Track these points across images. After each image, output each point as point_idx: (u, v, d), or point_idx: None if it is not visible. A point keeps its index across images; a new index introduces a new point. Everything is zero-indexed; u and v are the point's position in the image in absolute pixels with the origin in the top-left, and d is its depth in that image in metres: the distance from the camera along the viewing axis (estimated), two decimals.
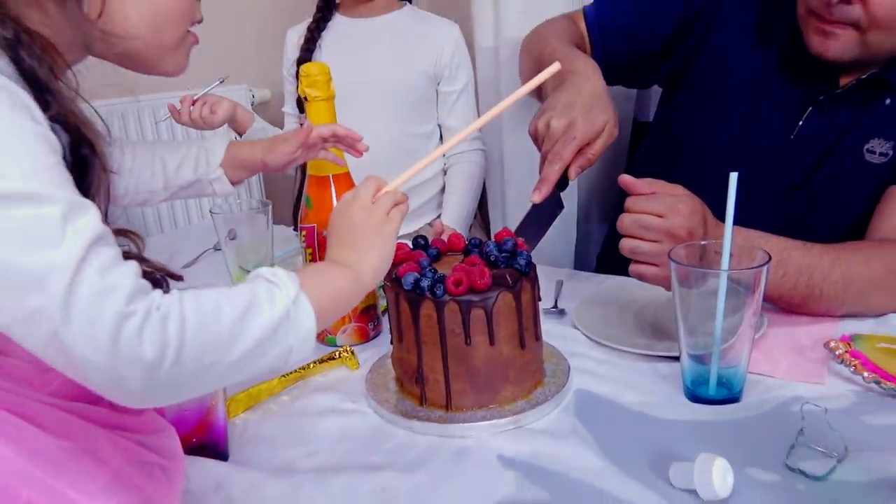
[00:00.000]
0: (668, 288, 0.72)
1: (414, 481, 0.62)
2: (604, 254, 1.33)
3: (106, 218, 0.49)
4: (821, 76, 0.95)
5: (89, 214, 0.45)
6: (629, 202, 0.78)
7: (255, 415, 0.75)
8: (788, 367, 0.76)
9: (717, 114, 1.05)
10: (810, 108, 0.97)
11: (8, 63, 0.48)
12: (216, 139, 0.90)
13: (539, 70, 0.98)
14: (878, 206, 0.92)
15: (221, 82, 1.37)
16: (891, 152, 0.93)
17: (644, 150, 1.26)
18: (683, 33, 1.08)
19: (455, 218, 1.45)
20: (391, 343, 0.77)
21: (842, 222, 0.97)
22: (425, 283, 0.68)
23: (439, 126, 1.52)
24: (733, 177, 0.70)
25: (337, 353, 0.83)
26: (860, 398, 0.70)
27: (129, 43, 0.58)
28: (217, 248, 1.22)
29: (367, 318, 0.90)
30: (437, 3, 1.76)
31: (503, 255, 0.72)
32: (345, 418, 0.73)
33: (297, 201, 1.53)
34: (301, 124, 1.47)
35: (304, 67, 0.83)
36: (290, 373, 0.79)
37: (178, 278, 0.55)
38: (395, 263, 0.74)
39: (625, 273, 0.82)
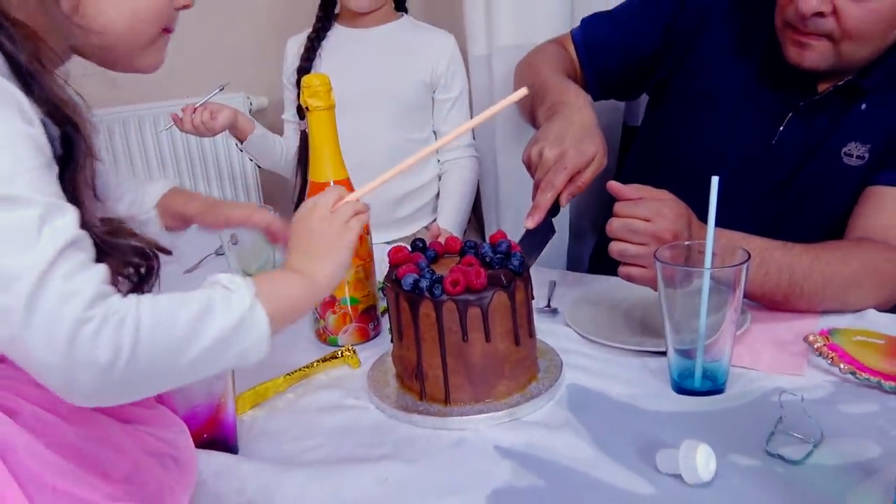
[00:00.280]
0: (656, 288, 0.75)
1: (415, 471, 0.66)
2: (595, 255, 1.37)
3: (85, 220, 0.50)
4: (799, 83, 0.99)
5: (66, 217, 0.47)
6: (617, 207, 0.82)
7: (262, 411, 0.78)
8: (770, 361, 0.80)
9: (701, 121, 1.09)
10: (790, 114, 1.01)
11: None
12: (161, 181, 0.88)
13: (533, 100, 1.04)
14: (856, 207, 0.96)
15: (221, 89, 1.41)
16: (867, 155, 0.97)
17: (632, 154, 1.30)
18: (668, 45, 1.12)
19: (451, 221, 1.49)
20: (391, 342, 0.80)
21: (822, 222, 1.01)
22: (424, 283, 0.72)
23: (434, 133, 1.56)
24: (715, 180, 0.74)
25: (339, 353, 0.86)
26: (837, 388, 0.73)
27: (106, 38, 0.59)
28: (219, 253, 1.25)
29: (367, 318, 0.93)
30: (430, 13, 1.80)
31: (498, 256, 0.76)
32: (348, 414, 0.76)
33: (297, 206, 1.57)
34: (302, 131, 1.52)
35: (305, 79, 0.86)
36: (295, 371, 0.83)
37: (168, 252, 0.58)
38: (395, 265, 0.78)
39: (615, 274, 0.86)
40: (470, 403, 0.74)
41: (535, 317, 0.79)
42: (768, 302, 0.87)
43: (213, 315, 0.51)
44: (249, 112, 1.93)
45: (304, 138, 1.53)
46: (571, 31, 1.22)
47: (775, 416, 0.67)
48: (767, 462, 0.63)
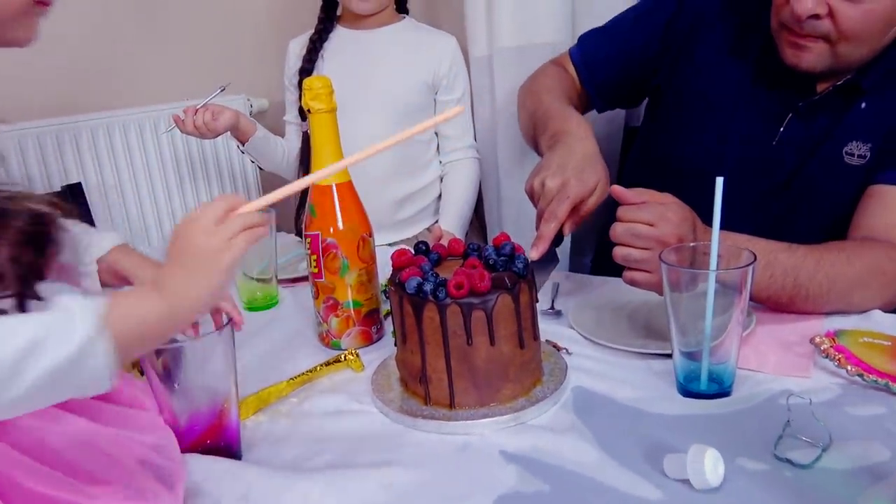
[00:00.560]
0: (661, 293, 0.75)
1: (420, 476, 0.65)
2: (598, 257, 1.36)
3: None
4: (798, 84, 0.99)
5: None
6: (620, 211, 0.81)
7: (266, 416, 0.78)
8: (776, 363, 0.79)
9: (698, 122, 1.09)
10: (790, 115, 1.01)
11: None
12: (110, 235, 0.82)
13: (535, 128, 1.05)
14: (859, 206, 0.96)
15: (222, 90, 1.40)
16: (868, 154, 0.96)
17: (632, 155, 1.30)
18: (665, 47, 1.13)
19: (453, 223, 1.48)
20: (395, 345, 0.80)
21: (824, 222, 1.01)
22: (428, 286, 0.71)
23: (436, 134, 1.56)
24: (719, 181, 0.73)
25: (342, 356, 0.86)
26: (844, 390, 0.73)
27: None
28: None
29: (370, 321, 0.93)
30: (431, 14, 1.80)
31: (501, 258, 0.76)
32: (352, 418, 0.76)
33: (298, 209, 1.56)
34: (304, 132, 1.51)
35: (307, 81, 0.86)
36: (298, 376, 0.82)
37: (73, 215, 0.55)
38: (399, 268, 0.78)
39: (618, 276, 0.85)
40: (475, 407, 0.73)
41: (540, 319, 0.79)
42: (773, 304, 0.87)
43: (44, 349, 0.46)
44: (250, 114, 1.92)
45: (305, 140, 1.52)
46: (570, 50, 1.24)
47: (783, 419, 0.66)
48: (776, 466, 0.62)
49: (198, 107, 1.35)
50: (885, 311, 0.87)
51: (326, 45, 1.51)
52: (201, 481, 0.64)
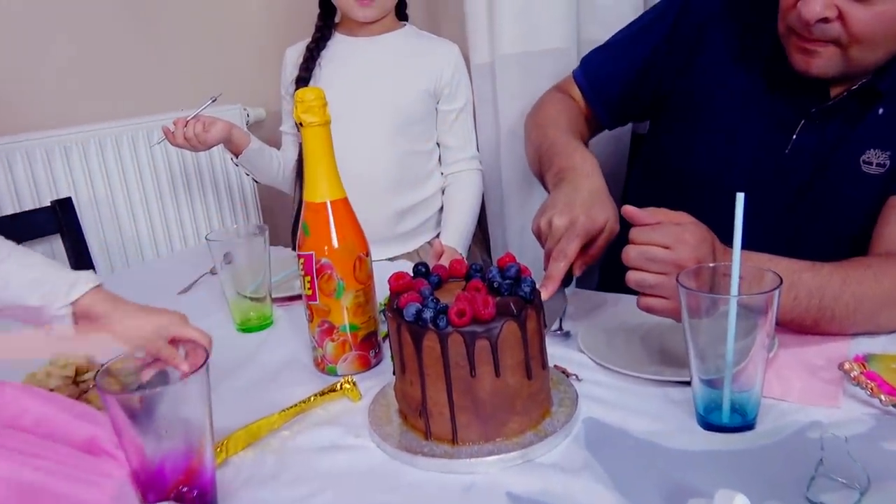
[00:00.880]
0: (678, 320, 0.70)
1: None
2: (605, 269, 1.32)
3: None
4: (810, 89, 0.94)
5: None
6: (633, 233, 0.77)
7: (254, 451, 0.73)
8: (802, 390, 0.74)
9: (707, 132, 1.05)
10: (802, 121, 0.96)
11: None
12: (86, 275, 0.77)
13: (541, 163, 1.03)
14: (880, 218, 0.91)
15: (213, 101, 1.36)
16: (888, 162, 0.91)
17: (639, 164, 1.25)
18: (669, 58, 1.09)
19: (455, 238, 1.43)
20: (393, 373, 0.75)
21: (843, 234, 0.96)
22: (427, 314, 0.66)
23: (438, 144, 1.51)
24: (740, 197, 0.68)
25: (338, 385, 0.81)
26: (878, 422, 0.67)
27: None
28: (214, 272, 1.20)
29: (368, 345, 0.88)
30: (431, 21, 1.75)
31: (507, 281, 0.70)
32: (347, 454, 0.71)
33: (295, 222, 1.52)
34: (301, 143, 1.46)
35: (298, 93, 0.81)
36: (291, 407, 0.77)
37: None
38: (397, 292, 0.73)
39: (628, 292, 0.80)
40: (479, 443, 0.68)
41: (547, 341, 0.74)
42: (796, 327, 0.82)
43: None
44: (247, 124, 1.88)
45: (302, 152, 1.48)
46: (573, 73, 1.21)
47: (814, 456, 0.60)
48: None
49: (188, 118, 1.30)
50: None
51: (324, 52, 1.46)
52: None
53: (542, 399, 0.71)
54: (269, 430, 0.75)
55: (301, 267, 0.86)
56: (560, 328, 0.92)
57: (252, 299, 1.04)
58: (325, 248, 0.84)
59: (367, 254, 0.87)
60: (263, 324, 1.05)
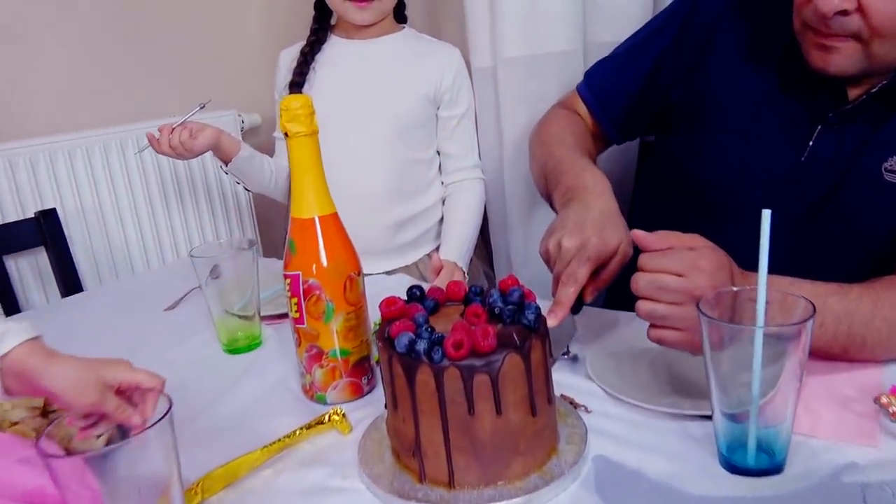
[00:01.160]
0: (694, 352, 0.63)
1: None
2: (613, 285, 1.25)
3: None
4: (827, 91, 0.88)
5: None
6: (643, 260, 0.70)
7: (234, 493, 0.66)
8: (833, 425, 0.68)
9: (718, 133, 0.99)
10: (819, 127, 0.90)
11: None
12: (19, 326, 0.67)
13: (548, 182, 0.98)
14: None
15: (202, 108, 1.30)
16: None
17: (646, 173, 1.20)
18: (676, 65, 1.04)
19: (455, 251, 1.36)
20: (385, 407, 0.69)
21: (864, 248, 0.90)
22: (421, 345, 0.60)
23: (438, 152, 1.45)
24: (766, 214, 0.62)
25: (326, 416, 0.74)
26: None
27: None
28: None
29: (360, 371, 0.82)
30: (431, 24, 1.69)
31: (509, 307, 0.64)
32: (334, 498, 0.64)
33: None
34: None
35: (283, 101, 0.75)
36: (275, 442, 0.71)
37: None
38: (388, 320, 0.66)
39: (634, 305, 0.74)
40: (478, 487, 0.62)
41: (553, 367, 0.67)
42: (823, 355, 0.75)
43: None
44: (242, 130, 1.82)
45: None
46: (577, 87, 1.16)
47: None
48: None
49: (174, 125, 1.24)
50: None
51: (319, 56, 1.40)
52: None
53: (547, 436, 0.65)
54: (251, 468, 0.69)
55: (287, 287, 0.80)
56: (567, 352, 0.86)
57: (240, 317, 0.98)
58: (313, 266, 0.78)
59: (359, 273, 0.81)
60: (252, 344, 0.99)
